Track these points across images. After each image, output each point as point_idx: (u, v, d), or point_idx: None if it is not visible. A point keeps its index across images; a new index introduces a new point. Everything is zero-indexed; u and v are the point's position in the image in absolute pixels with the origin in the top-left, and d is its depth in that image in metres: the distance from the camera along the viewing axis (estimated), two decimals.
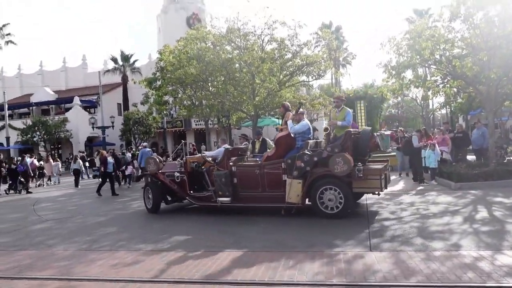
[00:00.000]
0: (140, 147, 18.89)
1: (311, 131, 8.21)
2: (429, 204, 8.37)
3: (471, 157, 13.83)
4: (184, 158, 9.72)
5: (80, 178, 19.18)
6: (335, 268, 4.62)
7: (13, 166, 17.17)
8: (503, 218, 6.64)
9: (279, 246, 5.71)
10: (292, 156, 7.65)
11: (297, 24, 16.66)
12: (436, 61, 12.54)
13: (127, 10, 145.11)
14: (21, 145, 33.65)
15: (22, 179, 16.29)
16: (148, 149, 16.54)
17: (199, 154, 11.28)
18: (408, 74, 13.06)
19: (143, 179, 11.67)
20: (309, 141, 7.98)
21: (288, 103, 9.14)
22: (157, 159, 9.74)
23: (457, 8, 11.32)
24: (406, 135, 14.42)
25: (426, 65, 13.14)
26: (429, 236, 5.81)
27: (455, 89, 13.86)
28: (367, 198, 9.47)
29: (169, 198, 9.61)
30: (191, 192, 9.12)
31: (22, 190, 16.25)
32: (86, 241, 6.76)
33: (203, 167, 9.06)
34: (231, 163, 8.34)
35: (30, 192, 15.94)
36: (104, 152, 15.26)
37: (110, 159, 13.68)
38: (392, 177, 13.52)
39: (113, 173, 13.74)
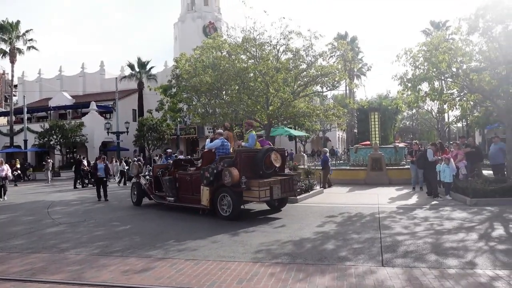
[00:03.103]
0: (175, 154, 18.97)
1: (225, 148, 9.65)
2: (443, 220, 8.20)
3: (487, 172, 13.54)
4: (152, 166, 12.72)
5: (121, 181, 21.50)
6: (346, 283, 4.55)
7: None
8: None
9: (292, 258, 5.66)
10: (203, 168, 9.50)
11: (312, 35, 16.74)
12: (453, 74, 12.41)
13: (146, 18, 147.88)
14: (38, 148, 34.35)
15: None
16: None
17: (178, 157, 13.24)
18: (424, 87, 12.94)
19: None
20: (223, 155, 9.44)
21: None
22: (138, 165, 13.28)
23: (475, 21, 11.23)
24: (421, 148, 14.20)
25: (443, 78, 13.01)
26: (443, 252, 5.69)
27: (471, 103, 13.67)
28: (379, 212, 9.36)
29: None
30: (156, 191, 11.60)
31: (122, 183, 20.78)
32: (98, 246, 6.82)
33: (166, 172, 11.20)
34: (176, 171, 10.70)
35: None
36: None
37: (100, 165, 13.97)
38: (405, 191, 13.36)
39: (104, 178, 14.04)
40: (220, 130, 10.19)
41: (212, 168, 9.19)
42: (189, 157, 14.10)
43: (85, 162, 21.20)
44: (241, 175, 8.74)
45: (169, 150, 17.49)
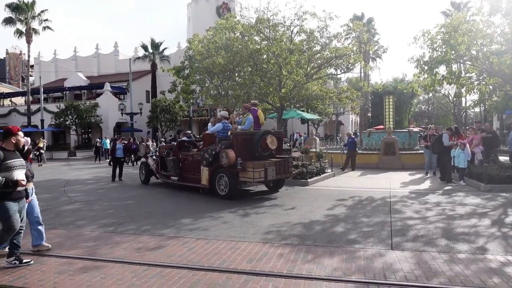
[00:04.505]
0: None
1: (226, 131, 9.89)
2: (455, 205, 8.13)
3: (504, 158, 13.27)
4: (158, 147, 13.40)
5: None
6: (355, 265, 4.58)
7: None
8: None
9: (301, 240, 5.72)
10: (203, 149, 10.01)
11: (327, 16, 16.39)
12: (472, 57, 12.06)
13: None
14: (54, 128, 34.99)
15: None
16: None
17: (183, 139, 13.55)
18: (441, 70, 12.62)
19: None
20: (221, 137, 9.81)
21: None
22: (146, 145, 14.29)
23: (498, 2, 10.81)
24: (435, 133, 13.94)
25: (461, 61, 12.66)
26: (454, 237, 5.66)
27: (490, 87, 13.32)
28: (391, 196, 9.32)
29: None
30: (162, 171, 12.26)
31: (135, 162, 21.19)
32: (112, 224, 7.00)
33: (171, 153, 11.71)
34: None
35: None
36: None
37: (119, 145, 14.14)
38: (418, 176, 13.23)
39: (122, 159, 14.29)
40: (224, 112, 10.37)
41: (211, 149, 9.65)
42: (192, 138, 14.26)
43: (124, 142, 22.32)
44: (237, 156, 9.09)
45: (188, 132, 17.68)
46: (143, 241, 5.81)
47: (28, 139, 4.91)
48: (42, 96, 32.78)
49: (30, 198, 5.11)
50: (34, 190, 5.34)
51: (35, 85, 42.55)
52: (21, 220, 4.79)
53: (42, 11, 34.87)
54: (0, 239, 4.70)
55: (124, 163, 21.13)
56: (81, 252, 5.29)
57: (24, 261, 4.81)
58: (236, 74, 18.76)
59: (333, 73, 18.48)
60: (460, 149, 10.97)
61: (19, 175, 4.65)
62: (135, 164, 21.09)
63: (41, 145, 23.64)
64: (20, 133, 4.86)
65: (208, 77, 20.10)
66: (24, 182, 4.65)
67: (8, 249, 4.83)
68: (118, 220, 7.33)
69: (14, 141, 4.73)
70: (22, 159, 4.82)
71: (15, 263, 4.74)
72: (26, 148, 4.89)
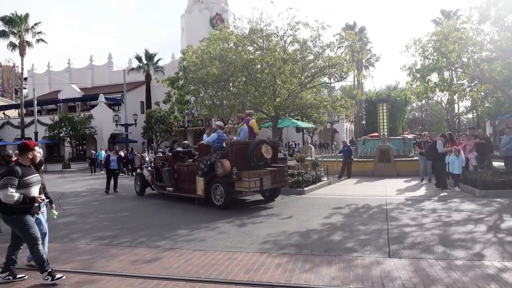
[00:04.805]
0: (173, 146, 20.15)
1: (221, 141, 9.91)
2: (451, 211, 8.16)
3: (498, 164, 13.37)
4: (153, 157, 13.37)
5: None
6: (353, 274, 4.57)
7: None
8: None
9: (299, 249, 5.70)
10: (199, 159, 10.01)
11: (320, 26, 16.56)
12: (463, 64, 12.23)
13: (153, 10, 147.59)
14: (48, 140, 34.75)
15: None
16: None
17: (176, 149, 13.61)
18: (434, 77, 12.78)
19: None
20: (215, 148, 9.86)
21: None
22: (141, 156, 14.05)
23: (487, 10, 11.01)
24: (429, 139, 14.04)
25: (453, 68, 12.82)
26: (451, 244, 5.67)
27: (482, 93, 13.50)
28: (387, 203, 9.33)
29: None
30: (157, 182, 12.11)
31: (131, 173, 21.43)
32: (108, 237, 6.93)
33: (166, 164, 11.74)
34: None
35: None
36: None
37: (113, 157, 14.05)
38: (414, 183, 13.28)
39: (116, 170, 14.16)
40: (219, 123, 10.37)
41: (206, 159, 9.65)
42: (187, 149, 14.26)
43: (121, 153, 22.33)
44: (233, 166, 9.06)
45: (185, 142, 17.66)
46: (139, 253, 5.76)
47: (41, 150, 4.91)
48: (35, 109, 32.62)
49: (41, 210, 5.08)
50: (45, 202, 5.28)
51: (29, 98, 42.38)
52: None
53: (35, 24, 34.90)
54: (33, 253, 4.59)
55: (123, 174, 21.46)
56: (76, 266, 5.22)
57: (18, 276, 4.73)
58: (231, 84, 18.83)
59: (327, 81, 18.61)
60: (454, 156, 11.05)
61: (36, 191, 4.67)
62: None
63: None
64: (37, 148, 4.84)
65: (203, 88, 20.15)
66: (40, 199, 4.66)
67: (4, 264, 4.74)
68: (114, 232, 7.26)
69: (30, 157, 4.70)
70: (37, 175, 4.82)
71: (9, 278, 4.66)
72: (38, 161, 4.90)
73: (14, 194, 4.35)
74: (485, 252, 5.25)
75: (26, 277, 4.76)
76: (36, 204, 4.68)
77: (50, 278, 4.53)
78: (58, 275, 4.60)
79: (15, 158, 7.47)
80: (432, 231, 6.50)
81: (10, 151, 7.91)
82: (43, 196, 4.74)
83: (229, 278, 4.52)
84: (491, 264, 4.73)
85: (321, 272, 4.64)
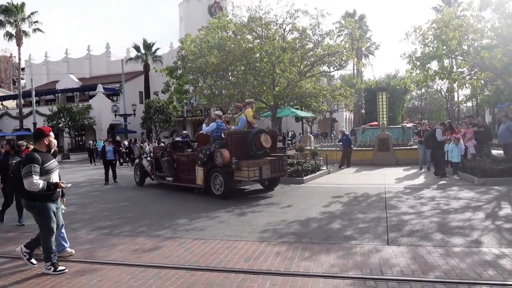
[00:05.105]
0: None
1: (220, 130, 9.90)
2: (450, 199, 8.20)
3: (497, 152, 13.40)
4: (153, 147, 13.39)
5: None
6: (351, 261, 4.61)
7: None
8: None
9: (298, 238, 5.73)
10: (198, 149, 10.01)
11: (319, 13, 16.37)
12: (464, 52, 12.15)
13: None
14: None
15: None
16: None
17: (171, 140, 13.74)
18: (433, 65, 12.71)
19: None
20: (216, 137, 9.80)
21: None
22: (140, 146, 14.29)
23: None
24: (429, 128, 14.04)
25: (453, 56, 12.74)
26: (449, 231, 5.71)
27: (482, 81, 13.45)
28: (386, 192, 9.37)
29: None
30: (157, 172, 12.12)
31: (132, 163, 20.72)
32: (108, 226, 6.96)
33: (165, 154, 11.71)
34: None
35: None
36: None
37: (109, 147, 14.03)
38: (413, 171, 13.32)
39: (113, 161, 14.15)
40: (218, 112, 10.32)
41: (205, 149, 9.66)
42: (188, 139, 14.21)
43: (125, 142, 23.69)
44: (232, 156, 9.07)
45: (184, 132, 17.63)
46: (140, 242, 5.79)
47: (55, 141, 4.93)
48: (34, 99, 32.50)
49: (64, 198, 5.08)
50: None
51: (27, 88, 42.15)
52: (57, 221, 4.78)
53: (32, 13, 34.60)
54: (45, 245, 4.59)
55: (127, 164, 21.60)
56: (77, 255, 5.25)
57: (59, 268, 4.63)
58: (230, 73, 18.70)
59: (326, 70, 18.50)
60: (453, 144, 11.06)
61: (56, 177, 4.69)
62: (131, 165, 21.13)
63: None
64: (52, 134, 4.80)
65: (201, 77, 20.03)
66: (63, 184, 4.67)
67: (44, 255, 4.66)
68: (114, 222, 7.30)
69: (46, 142, 4.69)
70: (55, 160, 4.81)
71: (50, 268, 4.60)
72: (52, 150, 4.89)
73: (39, 182, 4.37)
74: (483, 239, 5.29)
75: (66, 270, 4.66)
76: (58, 190, 4.69)
77: (52, 269, 4.55)
78: (60, 268, 4.60)
79: (25, 148, 7.50)
80: (431, 219, 6.54)
81: (24, 141, 7.92)
82: (64, 183, 4.72)
83: (229, 267, 4.56)
84: (488, 251, 4.77)
85: (320, 260, 4.68)
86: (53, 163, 4.67)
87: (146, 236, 6.13)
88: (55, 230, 4.66)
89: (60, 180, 4.84)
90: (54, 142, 4.83)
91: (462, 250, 4.84)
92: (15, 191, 4.78)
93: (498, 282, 3.86)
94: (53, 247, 4.64)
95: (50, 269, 4.55)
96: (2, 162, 7.44)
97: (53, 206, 4.68)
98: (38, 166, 4.41)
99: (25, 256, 4.76)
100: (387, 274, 4.16)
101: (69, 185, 5.18)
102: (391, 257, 4.70)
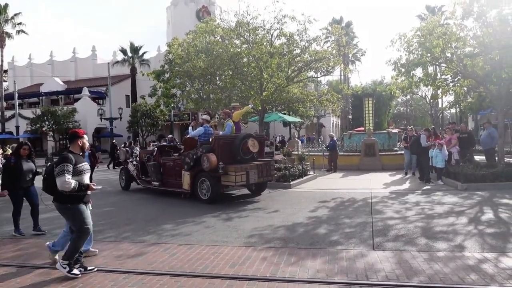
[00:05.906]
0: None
1: (207, 135, 9.75)
2: (434, 204, 8.31)
3: (480, 158, 13.68)
4: (138, 152, 13.17)
5: None
6: (337, 266, 4.61)
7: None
8: (509, 220, 6.58)
9: (284, 243, 5.72)
10: (184, 154, 9.92)
11: (306, 19, 16.53)
12: (447, 59, 12.39)
13: (139, 1, 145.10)
14: (30, 134, 34.01)
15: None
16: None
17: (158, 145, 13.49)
18: (418, 72, 12.93)
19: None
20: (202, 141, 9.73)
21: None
22: (126, 151, 13.74)
23: (470, 6, 11.16)
24: (415, 133, 14.24)
25: (437, 63, 12.98)
26: (433, 236, 5.78)
27: (465, 88, 13.71)
28: (372, 197, 9.45)
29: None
30: (143, 176, 11.92)
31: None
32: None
33: (151, 158, 11.57)
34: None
35: None
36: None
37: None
38: (398, 176, 13.47)
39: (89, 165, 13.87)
40: (205, 116, 10.25)
41: (192, 154, 9.61)
42: (173, 143, 14.12)
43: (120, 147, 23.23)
44: (219, 160, 9.03)
45: (170, 136, 17.51)
46: (124, 248, 5.69)
47: (88, 144, 4.95)
48: (16, 102, 31.90)
49: (91, 201, 5.05)
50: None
51: (9, 91, 41.31)
52: None
53: (15, 14, 34.04)
54: (74, 244, 4.54)
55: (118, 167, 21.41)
56: None
57: (89, 268, 4.66)
58: (217, 77, 18.70)
59: (313, 76, 18.65)
60: (437, 150, 11.24)
61: (87, 179, 4.68)
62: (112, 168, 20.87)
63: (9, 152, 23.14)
64: (85, 136, 4.86)
65: (189, 81, 19.96)
66: (94, 186, 4.65)
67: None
68: (98, 227, 7.15)
69: (80, 144, 4.73)
70: (86, 163, 4.82)
71: (80, 270, 4.57)
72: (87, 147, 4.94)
73: (71, 181, 4.38)
74: (466, 243, 5.37)
75: (96, 269, 4.67)
76: (89, 193, 4.69)
77: (67, 269, 4.46)
78: (75, 271, 4.50)
79: (10, 151, 7.23)
80: (415, 223, 6.62)
81: (28, 143, 7.64)
82: (94, 185, 4.69)
83: (215, 272, 4.51)
84: (471, 256, 4.84)
85: (306, 265, 4.67)
86: (85, 165, 4.71)
87: (131, 242, 6.03)
88: (91, 231, 4.69)
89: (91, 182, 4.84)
90: (87, 144, 4.95)
91: (445, 255, 4.90)
92: (47, 191, 4.76)
93: (480, 286, 3.91)
94: (81, 249, 4.63)
95: (65, 268, 4.48)
96: (14, 165, 6.99)
97: (85, 208, 4.70)
98: (71, 166, 4.46)
99: (80, 271, 4.59)
100: (372, 279, 4.17)
101: (100, 187, 5.18)
102: (377, 262, 4.72)
